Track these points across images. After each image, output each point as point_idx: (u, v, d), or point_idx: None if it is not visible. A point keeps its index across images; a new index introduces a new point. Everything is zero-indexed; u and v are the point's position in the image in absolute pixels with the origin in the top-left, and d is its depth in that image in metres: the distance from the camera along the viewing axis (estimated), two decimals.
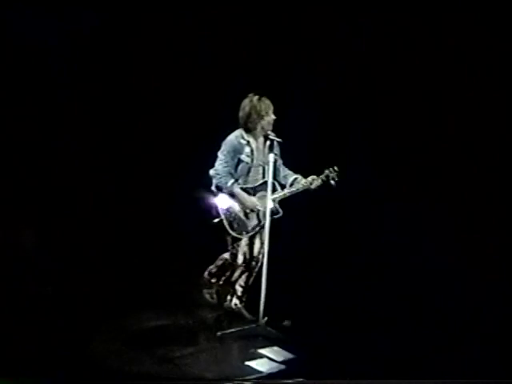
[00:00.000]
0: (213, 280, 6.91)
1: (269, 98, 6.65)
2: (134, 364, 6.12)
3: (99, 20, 7.87)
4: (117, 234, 8.02)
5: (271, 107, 6.61)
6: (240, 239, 6.72)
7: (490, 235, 7.82)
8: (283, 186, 6.75)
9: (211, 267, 6.90)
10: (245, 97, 6.66)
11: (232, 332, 6.61)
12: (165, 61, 8.17)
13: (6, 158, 7.80)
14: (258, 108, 6.58)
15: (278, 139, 6.64)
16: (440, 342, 6.50)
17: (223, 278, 6.89)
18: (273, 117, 6.62)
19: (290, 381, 5.95)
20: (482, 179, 7.88)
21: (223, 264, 6.86)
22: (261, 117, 6.59)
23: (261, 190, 6.70)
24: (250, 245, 6.81)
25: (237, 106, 6.68)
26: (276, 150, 6.66)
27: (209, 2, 8.07)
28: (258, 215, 6.71)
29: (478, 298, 7.06)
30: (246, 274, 6.87)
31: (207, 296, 6.94)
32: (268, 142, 6.69)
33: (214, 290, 6.94)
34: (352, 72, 8.21)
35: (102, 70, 8.09)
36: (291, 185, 6.74)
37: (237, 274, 6.86)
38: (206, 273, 6.92)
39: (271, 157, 6.53)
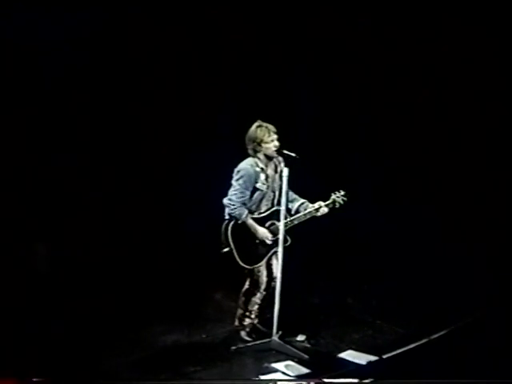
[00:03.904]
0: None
1: (273, 120, 6.65)
2: (148, 378, 6.14)
3: (100, 22, 7.83)
4: (132, 250, 7.97)
5: (271, 133, 6.57)
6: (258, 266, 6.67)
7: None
8: (289, 210, 6.70)
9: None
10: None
11: (246, 346, 6.61)
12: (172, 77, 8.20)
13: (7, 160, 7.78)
14: (257, 135, 6.58)
15: (293, 154, 6.58)
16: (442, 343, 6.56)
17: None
18: (273, 143, 6.58)
19: None
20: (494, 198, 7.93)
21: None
22: (259, 143, 6.59)
23: (270, 218, 6.69)
24: (268, 268, 6.75)
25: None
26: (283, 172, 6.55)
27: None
28: (267, 244, 6.65)
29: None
30: (264, 293, 6.80)
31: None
32: (279, 169, 6.69)
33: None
34: (357, 89, 8.29)
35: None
36: (297, 210, 6.71)
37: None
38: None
39: (285, 171, 6.50)
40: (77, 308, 7.12)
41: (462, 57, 7.99)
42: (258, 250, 6.65)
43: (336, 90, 8.39)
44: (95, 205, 8.00)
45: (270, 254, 6.68)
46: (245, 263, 6.60)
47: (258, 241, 6.63)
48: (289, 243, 6.63)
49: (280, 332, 6.53)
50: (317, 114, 8.38)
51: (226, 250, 6.57)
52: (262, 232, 6.63)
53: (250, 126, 6.66)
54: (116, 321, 7.05)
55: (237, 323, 6.85)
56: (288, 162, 6.54)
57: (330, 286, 7.90)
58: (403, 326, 6.99)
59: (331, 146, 8.40)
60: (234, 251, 6.56)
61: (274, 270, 6.72)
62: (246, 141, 6.66)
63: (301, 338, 6.79)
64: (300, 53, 8.35)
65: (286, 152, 6.59)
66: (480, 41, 7.90)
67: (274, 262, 6.74)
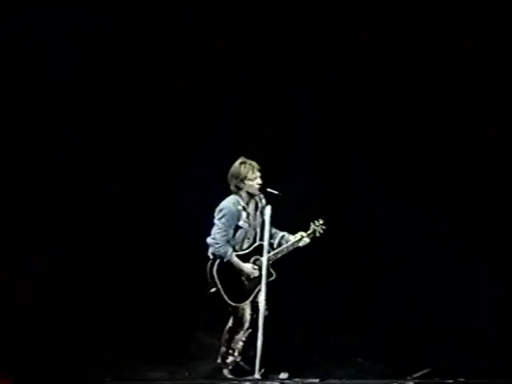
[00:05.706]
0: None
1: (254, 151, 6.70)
2: None
3: (100, 22, 7.85)
4: (115, 283, 7.87)
5: (254, 170, 6.60)
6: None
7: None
8: (271, 245, 6.71)
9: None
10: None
11: None
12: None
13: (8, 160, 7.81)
14: (241, 171, 6.61)
15: (276, 192, 6.60)
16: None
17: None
18: (257, 180, 6.61)
19: None
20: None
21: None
22: (243, 180, 6.61)
23: (253, 254, 6.70)
24: (252, 305, 6.72)
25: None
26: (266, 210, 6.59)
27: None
28: (253, 280, 6.67)
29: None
30: (247, 331, 6.79)
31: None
32: (259, 205, 6.71)
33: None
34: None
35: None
36: (279, 244, 6.74)
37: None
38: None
39: (268, 210, 6.53)
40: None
41: (463, 57, 7.93)
42: (244, 287, 6.66)
43: (335, 97, 8.27)
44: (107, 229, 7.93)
45: (257, 290, 6.66)
46: (233, 301, 6.60)
47: (243, 278, 6.65)
48: (273, 278, 6.64)
49: (263, 370, 6.49)
50: (314, 123, 8.24)
51: (213, 290, 6.58)
52: (248, 268, 6.64)
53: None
54: (100, 358, 7.06)
55: (220, 361, 6.81)
56: (270, 199, 6.58)
57: (313, 324, 7.87)
58: (387, 364, 6.97)
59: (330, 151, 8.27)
60: (222, 290, 6.56)
61: (259, 307, 6.64)
62: (229, 178, 6.67)
63: (283, 375, 6.77)
64: (299, 60, 8.23)
65: (269, 190, 6.62)
66: (480, 41, 7.86)
67: (259, 298, 6.68)
